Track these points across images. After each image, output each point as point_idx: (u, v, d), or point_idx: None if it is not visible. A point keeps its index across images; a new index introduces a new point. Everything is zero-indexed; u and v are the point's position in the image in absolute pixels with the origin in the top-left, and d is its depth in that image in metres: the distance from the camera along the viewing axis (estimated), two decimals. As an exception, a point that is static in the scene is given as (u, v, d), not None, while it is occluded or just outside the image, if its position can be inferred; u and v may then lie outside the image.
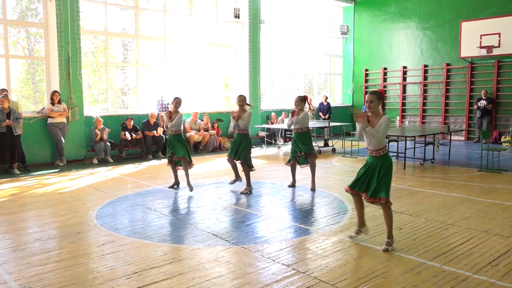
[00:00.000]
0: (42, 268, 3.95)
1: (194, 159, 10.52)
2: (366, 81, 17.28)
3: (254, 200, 6.65)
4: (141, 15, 11.93)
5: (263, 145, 13.07)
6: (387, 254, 4.21)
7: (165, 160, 10.66)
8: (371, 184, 4.35)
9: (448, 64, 14.81)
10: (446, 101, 14.97)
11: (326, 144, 12.48)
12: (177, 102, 7.25)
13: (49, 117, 9.80)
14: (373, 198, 4.34)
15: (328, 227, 5.11)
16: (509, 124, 13.48)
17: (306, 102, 6.19)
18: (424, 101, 15.55)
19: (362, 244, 4.51)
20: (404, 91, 16.07)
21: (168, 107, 12.35)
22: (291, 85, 16.34)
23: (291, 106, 15.76)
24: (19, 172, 8.91)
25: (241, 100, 7.05)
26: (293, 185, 7.41)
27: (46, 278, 3.72)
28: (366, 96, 4.39)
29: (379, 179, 4.30)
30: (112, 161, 10.39)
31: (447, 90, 14.95)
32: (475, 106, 13.55)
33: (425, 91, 15.51)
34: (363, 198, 4.49)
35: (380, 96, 4.34)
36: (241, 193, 6.94)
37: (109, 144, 10.46)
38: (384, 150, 4.32)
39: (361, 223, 4.65)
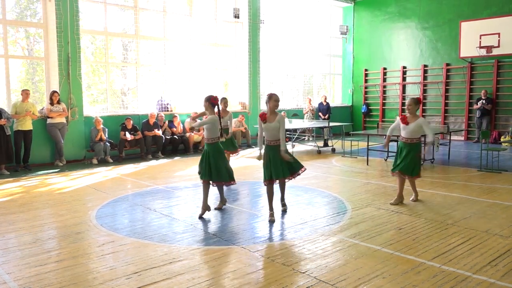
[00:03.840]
0: (41, 268, 3.95)
1: (194, 159, 10.54)
2: (366, 81, 17.28)
3: (253, 200, 6.65)
4: (141, 15, 11.92)
5: (263, 145, 13.05)
6: (387, 254, 4.22)
7: (166, 160, 10.69)
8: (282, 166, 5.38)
9: (447, 64, 14.81)
10: (446, 101, 14.97)
11: (325, 144, 12.48)
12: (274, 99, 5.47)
13: (48, 117, 9.79)
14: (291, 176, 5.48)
15: (327, 227, 5.11)
16: (509, 124, 13.48)
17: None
18: (424, 101, 15.53)
19: (362, 244, 4.51)
20: (403, 91, 16.07)
21: (168, 107, 12.36)
22: (290, 85, 16.34)
23: (291, 106, 15.81)
24: (8, 173, 8.86)
25: (226, 102, 6.46)
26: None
27: (46, 278, 3.71)
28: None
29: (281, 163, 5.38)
30: (111, 161, 10.38)
31: (446, 90, 14.95)
32: (475, 106, 13.55)
33: (424, 91, 15.51)
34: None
35: (277, 98, 5.33)
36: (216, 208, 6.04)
37: (108, 144, 10.46)
38: (278, 141, 5.37)
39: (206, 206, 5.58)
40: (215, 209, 5.95)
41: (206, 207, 5.63)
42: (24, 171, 9.17)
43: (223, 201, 6.02)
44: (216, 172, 5.55)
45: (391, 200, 6.28)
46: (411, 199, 6.38)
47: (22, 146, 9.34)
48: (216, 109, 5.60)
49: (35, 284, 3.61)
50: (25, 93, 9.33)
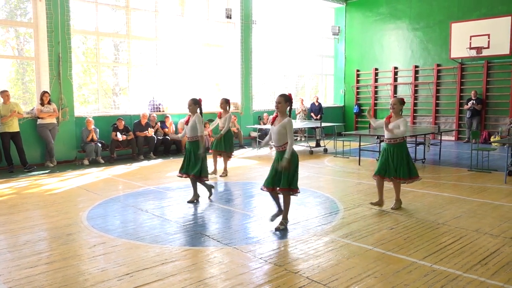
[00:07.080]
0: (32, 270, 3.91)
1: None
2: (358, 81, 17.35)
3: (246, 201, 6.65)
4: (132, 15, 11.86)
5: (255, 146, 13.06)
6: (379, 253, 4.24)
7: (158, 161, 10.64)
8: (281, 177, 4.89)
9: (438, 65, 14.93)
10: (437, 101, 15.09)
11: (318, 145, 12.52)
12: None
13: (39, 118, 9.70)
14: (283, 188, 4.89)
15: (320, 227, 5.12)
16: (499, 124, 13.62)
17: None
18: (415, 101, 15.66)
19: (354, 244, 4.53)
20: (395, 91, 16.17)
21: (160, 108, 12.31)
22: (283, 85, 16.36)
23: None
24: None
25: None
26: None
27: (36, 281, 3.68)
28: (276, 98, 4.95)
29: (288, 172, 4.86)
30: (103, 162, 10.31)
31: (437, 91, 15.07)
32: (466, 107, 13.68)
33: (415, 91, 15.62)
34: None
35: (287, 98, 4.91)
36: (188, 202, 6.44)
37: (100, 144, 10.38)
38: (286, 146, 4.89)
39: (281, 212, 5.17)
40: (188, 202, 6.37)
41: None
42: (17, 172, 9.08)
43: (196, 195, 6.44)
44: (193, 166, 6.27)
45: (392, 205, 5.98)
46: (391, 207, 5.96)
47: (12, 148, 9.22)
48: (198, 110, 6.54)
49: (26, 286, 3.57)
50: (5, 95, 9.12)
